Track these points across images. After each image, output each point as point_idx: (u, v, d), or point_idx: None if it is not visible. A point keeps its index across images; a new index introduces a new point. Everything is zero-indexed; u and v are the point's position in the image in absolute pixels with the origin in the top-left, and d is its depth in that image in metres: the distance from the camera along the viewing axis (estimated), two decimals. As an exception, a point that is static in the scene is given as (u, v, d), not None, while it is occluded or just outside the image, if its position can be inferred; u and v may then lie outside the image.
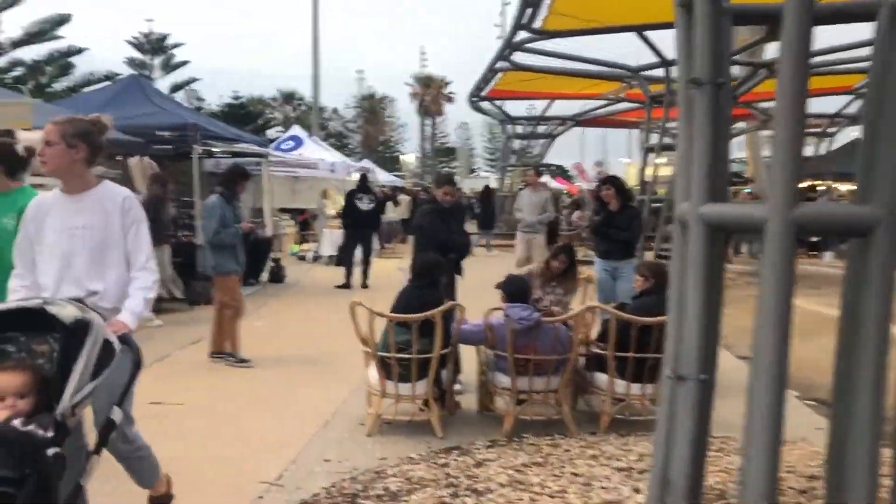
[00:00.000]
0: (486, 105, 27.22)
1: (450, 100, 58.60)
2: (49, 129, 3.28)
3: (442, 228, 6.33)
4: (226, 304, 7.29)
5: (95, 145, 3.35)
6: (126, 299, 3.29)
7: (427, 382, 5.06)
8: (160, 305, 10.01)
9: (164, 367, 7.08)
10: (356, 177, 20.64)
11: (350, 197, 13.57)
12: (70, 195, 3.34)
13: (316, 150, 18.02)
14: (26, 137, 7.19)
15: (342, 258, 13.54)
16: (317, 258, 18.23)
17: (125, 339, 2.93)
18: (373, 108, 57.96)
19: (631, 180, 37.20)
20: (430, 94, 57.41)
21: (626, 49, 16.70)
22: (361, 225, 13.38)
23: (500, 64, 18.68)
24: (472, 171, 59.62)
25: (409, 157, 53.89)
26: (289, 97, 52.02)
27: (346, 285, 13.09)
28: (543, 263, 6.74)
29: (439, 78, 58.26)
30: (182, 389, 6.21)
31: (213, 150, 12.43)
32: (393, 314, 4.93)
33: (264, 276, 13.77)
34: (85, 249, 3.28)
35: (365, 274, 13.25)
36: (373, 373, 5.20)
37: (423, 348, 5.01)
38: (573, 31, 14.83)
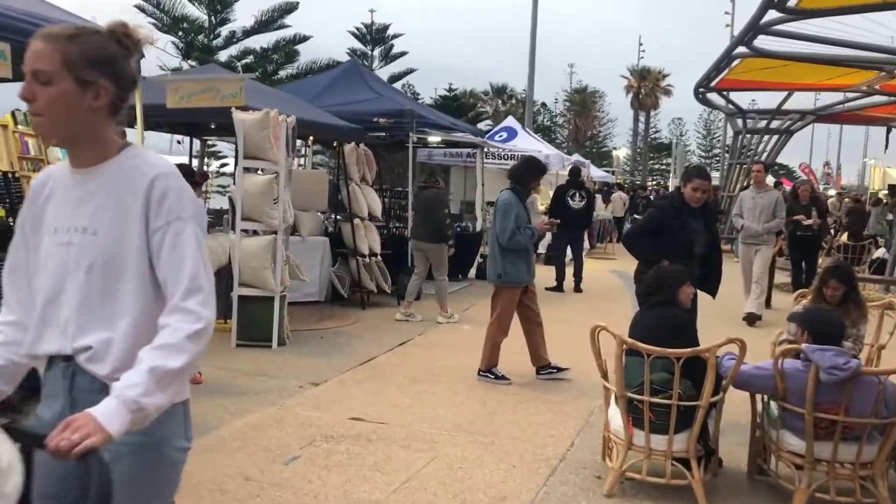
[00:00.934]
0: (712, 97, 25.10)
1: (667, 93, 55.57)
2: (38, 50, 1.73)
3: (680, 232, 5.16)
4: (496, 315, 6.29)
5: (124, 78, 1.83)
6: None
7: (689, 437, 3.89)
8: (370, 299, 9.56)
9: (367, 372, 6.43)
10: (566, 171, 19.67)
11: (561, 193, 12.49)
12: (76, 170, 1.86)
13: (530, 143, 17.10)
14: (240, 118, 6.81)
15: (552, 258, 12.50)
16: (525, 255, 17.41)
17: (91, 461, 1.49)
18: (583, 101, 56.27)
19: (875, 184, 32.61)
20: (646, 86, 54.78)
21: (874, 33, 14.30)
22: (572, 224, 12.23)
23: (738, 50, 16.77)
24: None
25: (621, 153, 51.75)
26: (500, 91, 51.77)
27: (558, 288, 12.05)
28: (814, 291, 5.23)
29: (656, 70, 55.42)
30: (385, 404, 5.48)
31: (429, 137, 11.85)
32: (653, 347, 3.80)
33: (471, 272, 13.11)
34: (80, 271, 1.79)
35: (577, 277, 12.13)
36: (616, 416, 4.12)
37: (685, 391, 3.86)
38: (835, 8, 12.75)
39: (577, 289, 12.01)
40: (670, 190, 23.78)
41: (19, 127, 5.41)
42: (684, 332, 4.17)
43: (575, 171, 12.90)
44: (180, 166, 5.86)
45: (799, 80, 21.28)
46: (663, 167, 60.70)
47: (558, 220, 7.47)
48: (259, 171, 7.33)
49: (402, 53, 23.99)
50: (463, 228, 12.69)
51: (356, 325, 8.45)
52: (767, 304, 10.25)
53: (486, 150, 13.51)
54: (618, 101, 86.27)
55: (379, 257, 9.74)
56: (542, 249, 16.38)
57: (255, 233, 7.36)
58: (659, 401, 3.86)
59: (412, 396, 5.71)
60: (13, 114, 5.43)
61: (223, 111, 7.12)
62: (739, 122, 26.13)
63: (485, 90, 50.90)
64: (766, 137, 25.96)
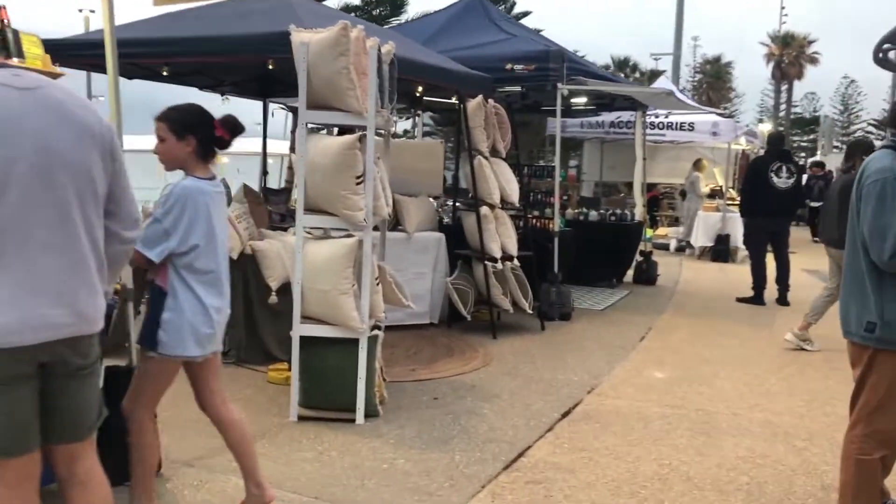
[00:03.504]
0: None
1: (813, 61, 49.55)
2: None
3: None
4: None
5: None
6: None
7: None
8: (501, 318, 6.70)
9: (523, 495, 3.52)
10: (743, 142, 16.00)
11: (759, 167, 9.08)
12: None
13: (692, 110, 13.62)
14: (301, 40, 4.04)
15: (753, 254, 9.11)
16: (682, 248, 14.05)
17: None
18: (717, 72, 51.04)
19: None
20: (790, 54, 48.99)
21: None
22: (776, 209, 8.86)
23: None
24: (835, 146, 50.13)
25: (765, 128, 46.41)
26: (622, 64, 47.58)
27: (757, 299, 8.78)
28: None
29: (801, 35, 49.47)
30: None
31: (574, 100, 8.79)
32: None
33: (628, 274, 10.02)
34: None
35: (782, 283, 8.79)
36: None
37: None
38: None
39: (783, 300, 8.69)
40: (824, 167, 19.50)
41: None
42: None
43: (777, 138, 9.43)
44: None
45: None
46: (805, 143, 55.03)
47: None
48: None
49: (526, 13, 20.85)
50: (619, 217, 9.57)
51: (487, 368, 5.56)
52: None
53: (647, 114, 10.27)
54: (744, 74, 79.60)
55: (516, 261, 6.81)
56: (707, 241, 13.05)
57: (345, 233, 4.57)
58: None
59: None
60: None
61: (281, 41, 4.37)
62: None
63: (605, 64, 46.83)
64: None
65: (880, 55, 17.13)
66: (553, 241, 7.42)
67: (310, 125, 4.28)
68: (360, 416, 4.25)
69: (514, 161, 7.26)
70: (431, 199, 7.53)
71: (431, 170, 7.45)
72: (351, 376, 4.24)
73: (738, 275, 11.14)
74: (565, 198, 10.15)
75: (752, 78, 75.22)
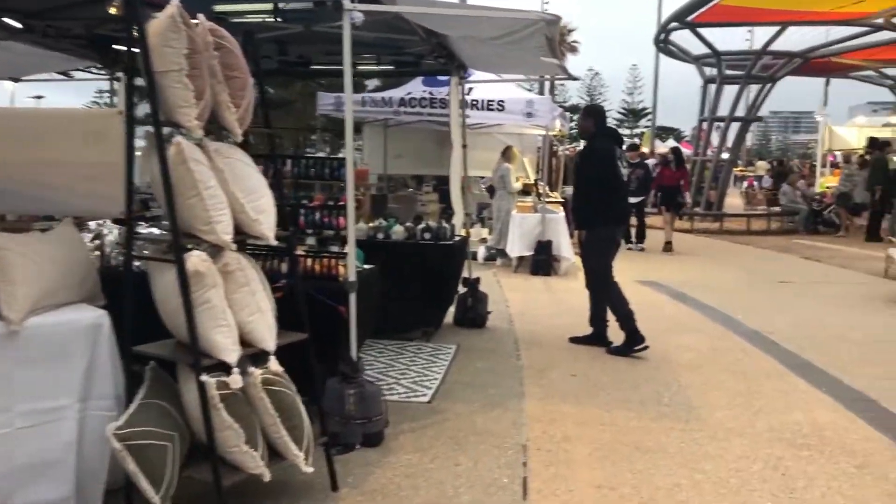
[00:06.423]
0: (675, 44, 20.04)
1: (573, 50, 50.23)
2: None
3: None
4: None
5: None
6: None
7: None
8: None
9: None
10: (558, 125, 13.34)
11: (603, 160, 6.24)
12: None
13: (498, 86, 10.67)
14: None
15: (602, 282, 6.28)
16: (492, 257, 11.18)
17: None
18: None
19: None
20: (552, 41, 49.32)
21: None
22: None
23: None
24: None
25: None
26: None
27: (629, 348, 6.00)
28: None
29: (561, 25, 49.92)
30: None
31: (392, 9, 5.33)
32: None
33: (450, 313, 6.84)
34: None
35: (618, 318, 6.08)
36: None
37: None
38: None
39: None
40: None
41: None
42: None
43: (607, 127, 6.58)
44: None
45: (801, 7, 16.67)
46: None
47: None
48: None
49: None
50: (435, 234, 6.29)
51: None
52: None
53: (464, 82, 7.08)
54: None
55: (273, 361, 3.23)
56: (525, 250, 10.27)
57: None
58: None
59: None
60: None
61: None
62: (708, 69, 21.02)
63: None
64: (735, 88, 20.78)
65: (661, 39, 14.90)
66: (346, 297, 3.96)
67: None
68: None
69: (266, 150, 3.67)
70: (97, 227, 3.77)
71: (93, 167, 3.65)
72: None
73: (574, 296, 8.42)
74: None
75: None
